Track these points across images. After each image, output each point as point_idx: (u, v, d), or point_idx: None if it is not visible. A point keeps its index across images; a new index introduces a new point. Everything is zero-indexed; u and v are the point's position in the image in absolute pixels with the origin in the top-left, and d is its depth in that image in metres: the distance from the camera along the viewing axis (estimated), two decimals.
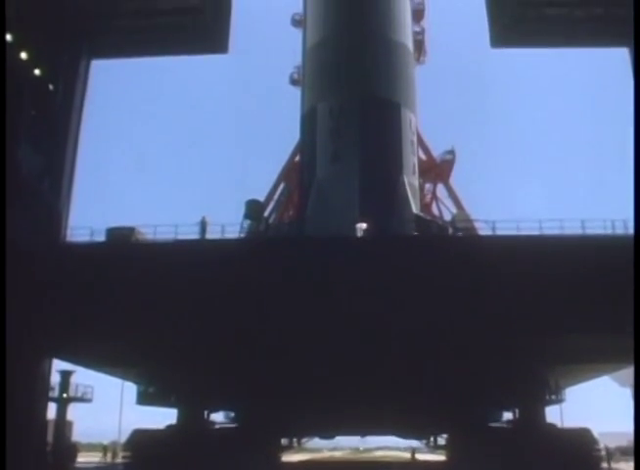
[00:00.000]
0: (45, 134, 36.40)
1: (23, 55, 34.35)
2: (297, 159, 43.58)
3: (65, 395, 46.87)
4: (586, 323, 25.65)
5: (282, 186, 48.07)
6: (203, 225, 30.30)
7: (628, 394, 52.24)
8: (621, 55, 41.89)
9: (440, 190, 48.51)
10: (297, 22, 45.78)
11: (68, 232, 35.02)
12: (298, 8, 44.82)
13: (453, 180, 48.71)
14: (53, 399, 44.26)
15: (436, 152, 49.17)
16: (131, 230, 30.89)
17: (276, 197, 47.36)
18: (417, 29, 47.63)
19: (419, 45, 47.39)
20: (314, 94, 37.77)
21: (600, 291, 25.80)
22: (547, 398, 33.34)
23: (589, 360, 30.83)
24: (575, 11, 41.40)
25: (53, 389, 43.75)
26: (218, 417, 40.22)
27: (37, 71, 35.56)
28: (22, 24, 33.50)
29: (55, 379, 44.45)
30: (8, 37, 32.78)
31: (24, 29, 33.75)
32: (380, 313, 25.84)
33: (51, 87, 37.21)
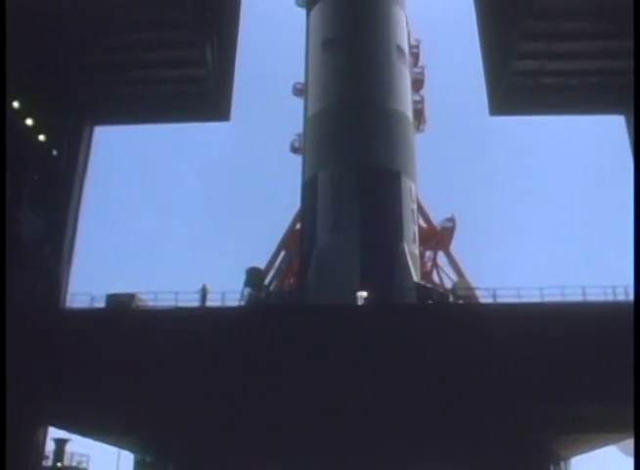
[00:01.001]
0: (47, 199, 36.67)
1: (29, 121, 34.83)
2: (298, 226, 43.74)
3: (59, 464, 46.09)
4: (588, 392, 25.45)
5: (283, 254, 48.21)
6: (203, 293, 30.30)
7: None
8: (618, 122, 42.53)
9: (441, 258, 48.68)
10: (299, 90, 46.39)
11: (68, 298, 34.98)
12: (300, 77, 45.41)
13: (453, 248, 48.92)
14: (47, 469, 43.51)
15: (437, 219, 49.49)
16: (131, 297, 30.89)
17: (277, 264, 47.46)
18: (417, 98, 48.24)
19: (418, 114, 47.95)
20: (315, 162, 38.06)
21: (602, 359, 25.65)
22: (551, 468, 32.86)
23: (592, 430, 30.41)
24: (572, 80, 42.13)
25: (47, 457, 43.06)
26: None
27: (42, 137, 36.01)
28: (27, 92, 34.02)
29: (49, 447, 43.79)
30: (14, 104, 33.29)
31: (30, 97, 34.27)
32: (381, 381, 25.68)
33: (55, 153, 37.63)
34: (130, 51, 39.06)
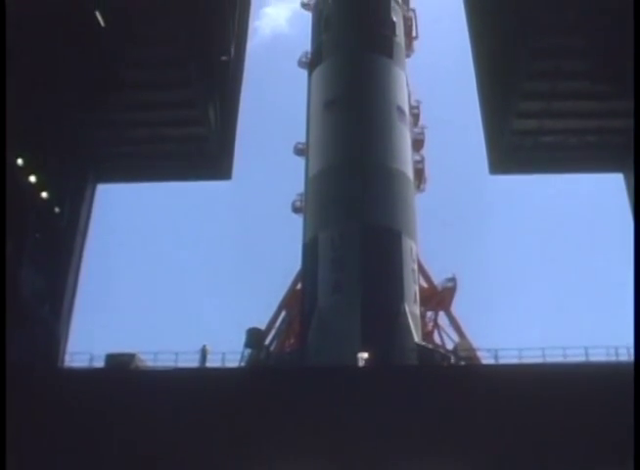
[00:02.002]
0: (48, 257, 36.78)
1: (32, 178, 35.09)
2: (299, 287, 43.63)
3: None
4: (592, 456, 25.10)
5: (283, 314, 48.05)
6: (203, 354, 30.15)
7: None
8: (617, 180, 42.94)
9: (442, 318, 48.51)
10: (300, 150, 46.68)
11: (67, 357, 34.76)
12: (302, 137, 45.77)
13: (455, 308, 48.79)
14: None
15: (437, 279, 49.44)
16: (131, 357, 30.71)
17: (277, 325, 47.30)
18: (417, 158, 48.57)
19: (419, 173, 48.22)
20: (316, 223, 38.10)
21: (605, 420, 25.36)
22: None
23: None
24: (570, 139, 42.65)
25: None
26: None
27: (44, 194, 36.24)
28: (31, 150, 34.32)
29: None
30: (18, 161, 33.60)
31: (34, 154, 34.57)
32: (382, 443, 25.37)
33: (57, 210, 37.82)
34: (133, 110, 39.59)
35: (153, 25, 35.48)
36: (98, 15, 34.81)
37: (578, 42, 36.47)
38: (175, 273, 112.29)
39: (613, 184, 45.47)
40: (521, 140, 42.71)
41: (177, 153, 43.07)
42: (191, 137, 42.53)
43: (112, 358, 30.45)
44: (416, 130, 49.66)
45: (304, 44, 48.26)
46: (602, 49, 35.58)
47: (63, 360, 35.02)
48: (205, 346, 30.65)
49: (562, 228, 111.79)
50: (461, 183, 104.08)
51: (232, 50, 43.07)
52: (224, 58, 42.35)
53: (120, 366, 30.30)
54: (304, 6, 52.08)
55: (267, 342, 42.85)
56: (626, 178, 41.60)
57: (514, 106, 40.16)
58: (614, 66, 35.40)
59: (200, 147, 43.01)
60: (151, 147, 42.74)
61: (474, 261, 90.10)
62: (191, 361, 29.24)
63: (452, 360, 34.29)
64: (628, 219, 39.50)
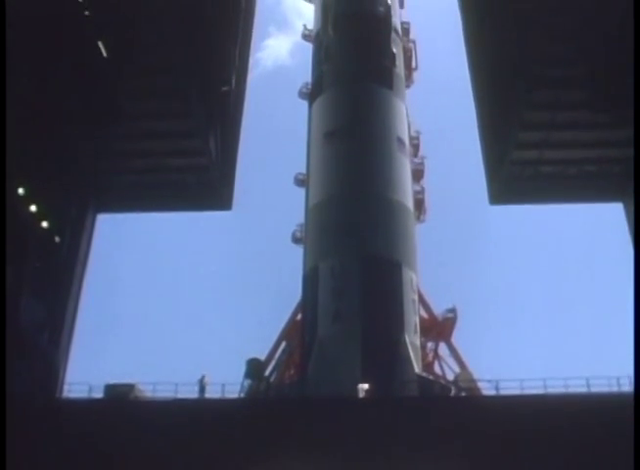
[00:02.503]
0: (48, 286, 36.73)
1: (33, 208, 35.14)
2: (299, 317, 43.49)
3: None
4: None
5: (283, 345, 47.84)
6: (202, 384, 29.99)
7: None
8: (617, 209, 43.04)
9: (443, 349, 48.32)
10: (301, 181, 46.74)
11: (66, 388, 34.59)
12: (302, 168, 45.89)
13: (455, 338, 48.61)
14: None
15: (438, 310, 49.29)
16: (130, 387, 30.55)
17: (277, 355, 47.06)
18: (417, 189, 48.63)
19: (419, 204, 48.25)
20: (316, 253, 38.03)
21: (607, 451, 25.17)
22: None
23: None
24: (570, 168, 42.84)
25: None
26: None
27: (44, 224, 36.27)
28: (32, 179, 34.38)
29: None
30: (19, 191, 33.69)
31: (35, 184, 34.62)
32: None
33: (57, 239, 37.84)
34: (134, 140, 39.78)
35: (154, 56, 35.73)
36: (100, 45, 35.09)
37: (577, 73, 36.73)
38: (175, 303, 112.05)
39: (612, 213, 45.66)
40: (521, 170, 42.90)
41: (178, 183, 43.17)
42: (191, 167, 42.66)
43: (111, 389, 30.29)
44: (416, 161, 49.80)
45: (305, 75, 48.58)
46: (600, 79, 35.82)
47: (61, 391, 34.87)
48: (203, 376, 30.53)
49: (562, 258, 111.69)
50: (461, 213, 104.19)
51: (233, 81, 43.37)
52: (225, 88, 42.63)
53: (119, 397, 30.14)
54: (305, 37, 52.53)
55: (267, 373, 42.70)
56: (626, 208, 41.75)
57: (513, 136, 40.37)
58: (612, 96, 35.62)
59: (200, 177, 43.13)
60: (151, 177, 42.85)
61: (474, 291, 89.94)
62: (190, 392, 29.15)
63: (453, 391, 34.12)
64: (628, 248, 39.53)
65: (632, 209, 39.58)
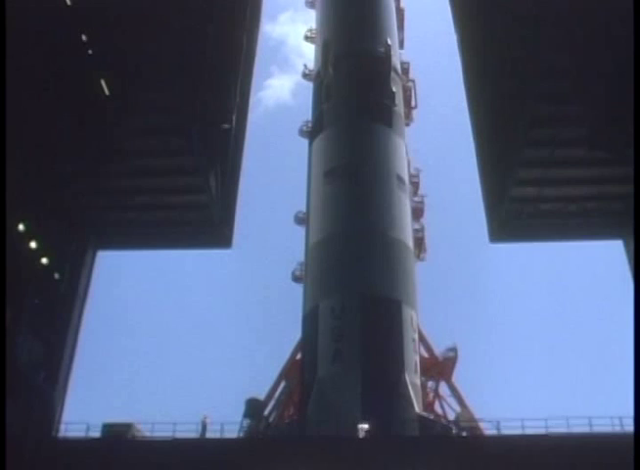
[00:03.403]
0: (47, 323, 36.67)
1: (33, 244, 35.14)
2: (299, 357, 43.22)
3: None
4: None
5: (283, 384, 47.52)
6: (202, 425, 29.78)
7: None
8: (617, 247, 43.03)
9: (443, 388, 47.98)
10: (301, 219, 46.77)
11: (63, 426, 34.27)
12: (302, 206, 45.95)
13: (456, 377, 48.29)
14: None
15: (438, 348, 49.03)
16: (128, 426, 30.30)
17: (277, 395, 46.72)
18: (417, 227, 48.64)
19: (419, 242, 48.23)
20: (316, 292, 37.89)
21: None
22: None
23: None
24: (569, 206, 42.90)
25: None
26: None
27: (44, 260, 36.25)
28: (33, 216, 34.44)
29: None
30: (20, 227, 33.75)
31: (35, 220, 34.67)
32: None
33: (56, 276, 37.80)
34: (135, 177, 39.87)
35: (155, 94, 35.92)
36: (103, 83, 35.35)
37: (575, 110, 36.89)
38: (174, 341, 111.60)
39: (613, 250, 45.73)
40: (520, 208, 43.02)
41: (178, 220, 43.25)
42: (192, 205, 42.75)
43: (108, 428, 30.04)
44: (416, 199, 49.90)
45: (306, 114, 48.87)
46: (599, 116, 35.95)
47: (58, 430, 34.55)
48: (205, 417, 30.34)
49: (563, 295, 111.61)
50: (461, 251, 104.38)
51: (234, 119, 43.62)
52: (226, 126, 42.84)
53: (117, 436, 29.88)
54: (306, 76, 52.94)
55: (267, 412, 42.32)
56: (626, 245, 41.78)
57: (513, 173, 40.52)
58: (611, 133, 35.74)
59: (200, 215, 43.21)
60: (152, 214, 42.94)
61: (475, 329, 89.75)
62: (189, 432, 28.86)
63: (454, 431, 33.81)
64: (629, 285, 39.51)
65: (632, 246, 39.58)
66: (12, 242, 31.89)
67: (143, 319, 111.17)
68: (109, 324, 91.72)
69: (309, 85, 50.95)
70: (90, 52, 34.69)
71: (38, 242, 35.41)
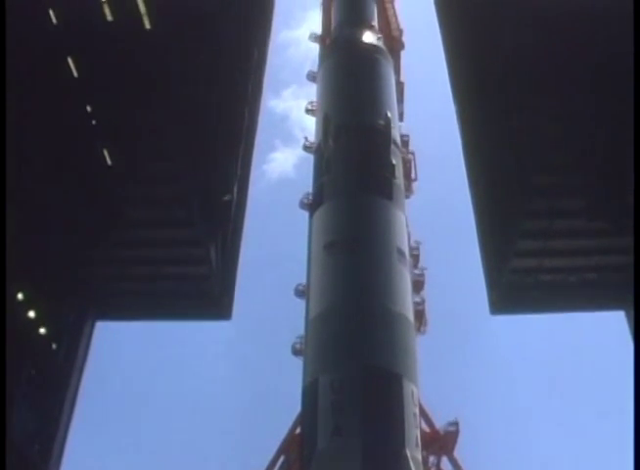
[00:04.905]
0: (42, 394, 36.24)
1: (31, 314, 35.05)
2: (298, 431, 42.64)
3: None
4: None
5: (282, 459, 46.71)
6: None
7: None
8: (619, 317, 42.88)
9: (445, 463, 47.20)
10: (301, 292, 46.66)
11: None
12: (302, 279, 45.88)
13: (458, 452, 47.53)
14: None
15: (440, 422, 48.34)
16: None
17: None
18: (417, 300, 48.49)
19: (419, 315, 47.99)
20: (316, 366, 37.47)
21: None
22: None
23: None
24: (570, 277, 42.88)
25: None
26: None
27: (42, 330, 36.10)
28: (31, 284, 34.38)
29: None
30: (19, 296, 33.69)
31: (34, 289, 34.59)
32: None
33: (54, 346, 37.59)
34: (135, 247, 39.95)
35: (156, 165, 36.28)
36: (106, 153, 35.77)
37: (575, 181, 37.20)
38: (171, 414, 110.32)
39: (614, 322, 45.62)
40: (520, 279, 43.01)
41: (177, 291, 43.19)
42: (192, 276, 42.75)
43: None
44: (416, 272, 49.85)
45: (308, 186, 49.20)
46: (599, 187, 36.24)
47: None
48: None
49: (565, 367, 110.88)
50: (462, 324, 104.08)
51: (235, 190, 43.90)
52: (227, 198, 43.08)
53: None
54: (307, 149, 53.36)
55: None
56: (628, 316, 41.64)
57: (513, 245, 40.62)
58: (610, 203, 35.98)
59: (201, 286, 43.15)
60: (151, 285, 42.92)
61: (476, 403, 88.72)
62: None
63: None
64: (629, 355, 39.31)
65: (633, 316, 39.46)
66: (10, 311, 31.73)
67: (140, 391, 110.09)
68: (105, 396, 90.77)
69: (311, 158, 51.45)
70: (94, 122, 35.21)
71: (37, 311, 35.33)
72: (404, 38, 54.95)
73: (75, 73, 33.73)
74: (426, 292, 50.90)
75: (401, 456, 35.19)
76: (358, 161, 45.37)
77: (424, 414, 44.80)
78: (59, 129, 33.31)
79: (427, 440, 43.04)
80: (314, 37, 56.14)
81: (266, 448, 48.21)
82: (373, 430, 35.19)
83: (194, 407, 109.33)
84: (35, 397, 35.62)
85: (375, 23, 47.81)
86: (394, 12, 55.61)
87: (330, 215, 45.11)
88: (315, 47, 55.37)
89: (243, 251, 45.85)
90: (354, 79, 47.47)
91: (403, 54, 55.24)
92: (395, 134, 49.07)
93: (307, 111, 57.67)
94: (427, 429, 46.18)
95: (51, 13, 32.58)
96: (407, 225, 46.47)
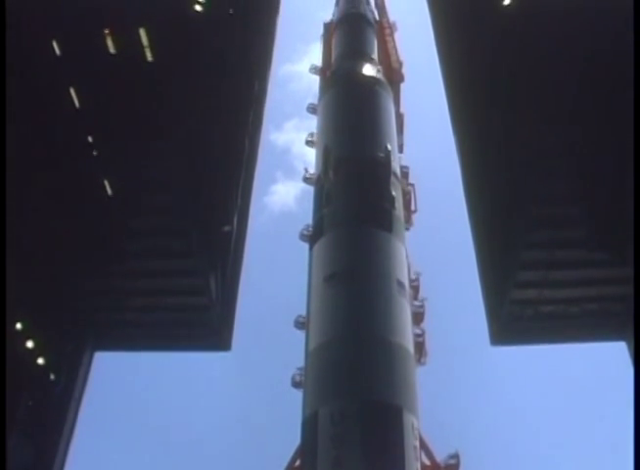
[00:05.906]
0: (40, 425, 35.93)
1: (30, 344, 34.95)
2: (297, 464, 42.24)
3: None
4: None
5: None
6: None
7: None
8: (620, 348, 42.78)
9: None
10: (301, 324, 46.44)
11: None
12: (302, 310, 45.77)
13: None
14: None
15: (440, 455, 47.82)
16: None
17: None
18: (417, 332, 48.20)
19: (419, 347, 47.66)
20: (315, 398, 37.27)
21: None
22: None
23: None
24: (571, 307, 42.74)
25: None
26: None
27: (40, 360, 35.97)
28: (30, 315, 34.31)
29: None
30: (17, 326, 33.61)
31: (32, 319, 34.51)
32: None
33: (52, 377, 37.43)
34: (134, 278, 39.89)
35: (156, 196, 36.36)
36: (106, 183, 35.89)
37: (575, 211, 37.30)
38: (170, 445, 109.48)
39: (615, 352, 45.44)
40: (521, 310, 42.91)
41: (177, 322, 43.09)
42: (191, 307, 42.64)
43: None
44: (416, 303, 49.57)
45: (308, 218, 49.18)
46: (599, 218, 36.31)
47: None
48: None
49: (566, 398, 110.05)
50: (462, 355, 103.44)
51: (235, 221, 43.93)
52: (226, 229, 43.09)
53: None
54: (307, 180, 53.42)
55: None
56: (629, 346, 41.49)
57: (513, 276, 40.56)
58: (611, 234, 36.04)
59: (200, 317, 43.04)
60: (150, 316, 42.83)
61: (477, 434, 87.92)
62: None
63: None
64: (630, 386, 39.04)
65: (634, 348, 39.31)
66: (9, 341, 31.64)
67: (138, 422, 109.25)
68: (103, 427, 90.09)
69: (312, 189, 51.50)
70: (95, 153, 35.38)
71: (35, 341, 35.24)
72: (404, 70, 55.22)
73: (77, 104, 33.96)
74: (426, 323, 50.66)
75: None
76: (358, 193, 45.45)
77: (424, 446, 44.28)
78: (60, 159, 33.46)
79: None
80: (315, 69, 56.39)
81: None
82: (373, 463, 34.90)
83: (192, 439, 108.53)
84: (33, 428, 35.37)
85: (375, 55, 48.22)
86: (394, 44, 55.86)
87: (330, 247, 45.06)
88: (316, 80, 55.69)
89: (243, 282, 45.79)
90: (354, 111, 47.70)
91: (403, 86, 55.47)
92: (395, 166, 49.20)
93: (307, 142, 57.80)
94: (427, 462, 45.64)
95: (54, 43, 32.90)
96: (407, 256, 46.48)
